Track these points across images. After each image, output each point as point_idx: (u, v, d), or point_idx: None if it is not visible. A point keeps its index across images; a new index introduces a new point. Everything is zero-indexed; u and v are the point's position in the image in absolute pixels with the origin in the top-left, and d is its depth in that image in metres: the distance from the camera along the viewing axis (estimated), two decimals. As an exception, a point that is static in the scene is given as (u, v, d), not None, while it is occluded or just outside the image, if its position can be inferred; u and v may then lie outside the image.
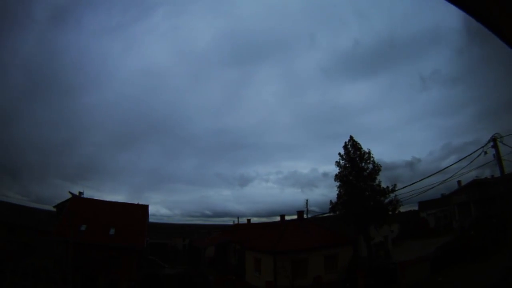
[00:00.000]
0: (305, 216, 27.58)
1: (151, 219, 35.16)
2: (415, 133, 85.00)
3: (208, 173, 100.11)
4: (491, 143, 16.03)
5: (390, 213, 24.60)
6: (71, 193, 29.03)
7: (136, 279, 25.22)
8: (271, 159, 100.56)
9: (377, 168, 24.61)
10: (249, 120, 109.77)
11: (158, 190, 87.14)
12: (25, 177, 66.27)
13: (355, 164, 24.54)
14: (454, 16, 74.91)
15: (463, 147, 54.32)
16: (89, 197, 31.67)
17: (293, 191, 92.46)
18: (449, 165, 17.86)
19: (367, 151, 24.84)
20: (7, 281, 21.40)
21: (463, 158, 17.85)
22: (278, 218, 35.58)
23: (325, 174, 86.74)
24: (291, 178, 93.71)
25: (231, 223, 50.61)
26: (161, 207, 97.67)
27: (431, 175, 20.01)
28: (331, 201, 24.81)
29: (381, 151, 53.88)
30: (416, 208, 41.13)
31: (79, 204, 28.15)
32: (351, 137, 25.16)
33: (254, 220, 46.57)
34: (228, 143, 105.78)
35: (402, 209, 26.53)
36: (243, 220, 47.65)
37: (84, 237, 25.70)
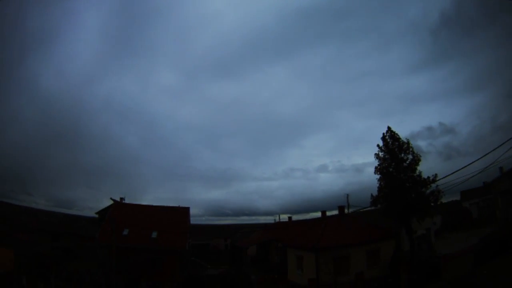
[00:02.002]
0: (346, 211, 27.16)
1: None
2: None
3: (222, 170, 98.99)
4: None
5: (432, 204, 23.75)
6: (112, 199, 29.96)
7: (179, 280, 25.69)
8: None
9: (416, 158, 23.76)
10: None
11: (163, 189, 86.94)
12: (45, 183, 68.83)
13: (394, 155, 23.85)
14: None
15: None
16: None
17: (310, 184, 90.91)
18: (489, 151, 16.62)
19: (405, 141, 24.16)
20: (52, 285, 22.44)
21: (503, 144, 16.82)
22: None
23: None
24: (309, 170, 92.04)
25: (272, 221, 50.36)
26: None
27: (472, 162, 18.90)
28: (372, 195, 24.24)
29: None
30: (458, 198, 39.52)
31: (121, 210, 29.06)
32: (389, 128, 24.46)
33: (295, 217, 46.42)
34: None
35: (444, 199, 25.56)
36: (284, 218, 47.44)
37: (127, 241, 26.46)
